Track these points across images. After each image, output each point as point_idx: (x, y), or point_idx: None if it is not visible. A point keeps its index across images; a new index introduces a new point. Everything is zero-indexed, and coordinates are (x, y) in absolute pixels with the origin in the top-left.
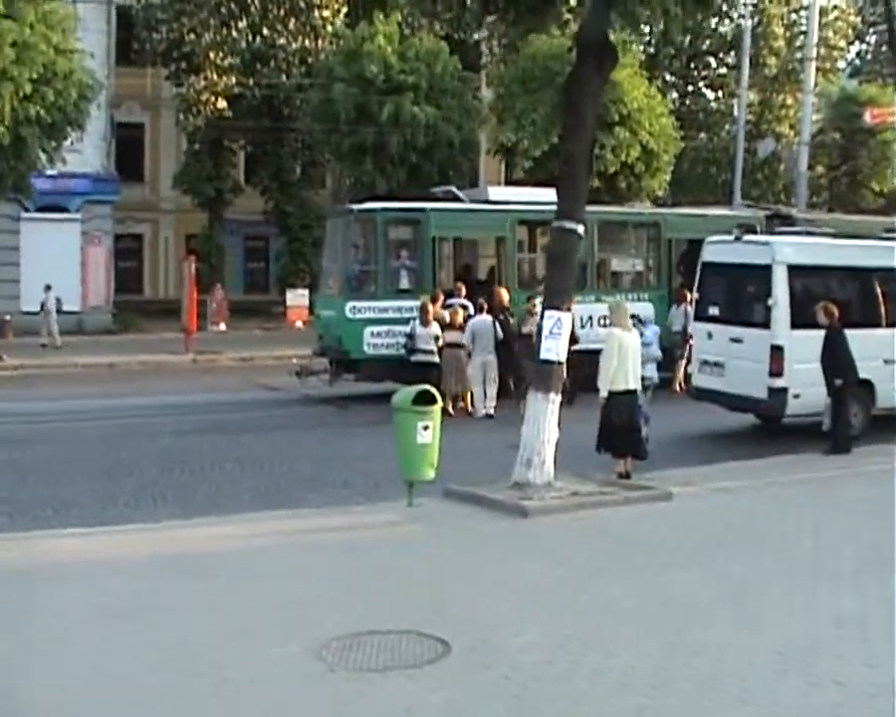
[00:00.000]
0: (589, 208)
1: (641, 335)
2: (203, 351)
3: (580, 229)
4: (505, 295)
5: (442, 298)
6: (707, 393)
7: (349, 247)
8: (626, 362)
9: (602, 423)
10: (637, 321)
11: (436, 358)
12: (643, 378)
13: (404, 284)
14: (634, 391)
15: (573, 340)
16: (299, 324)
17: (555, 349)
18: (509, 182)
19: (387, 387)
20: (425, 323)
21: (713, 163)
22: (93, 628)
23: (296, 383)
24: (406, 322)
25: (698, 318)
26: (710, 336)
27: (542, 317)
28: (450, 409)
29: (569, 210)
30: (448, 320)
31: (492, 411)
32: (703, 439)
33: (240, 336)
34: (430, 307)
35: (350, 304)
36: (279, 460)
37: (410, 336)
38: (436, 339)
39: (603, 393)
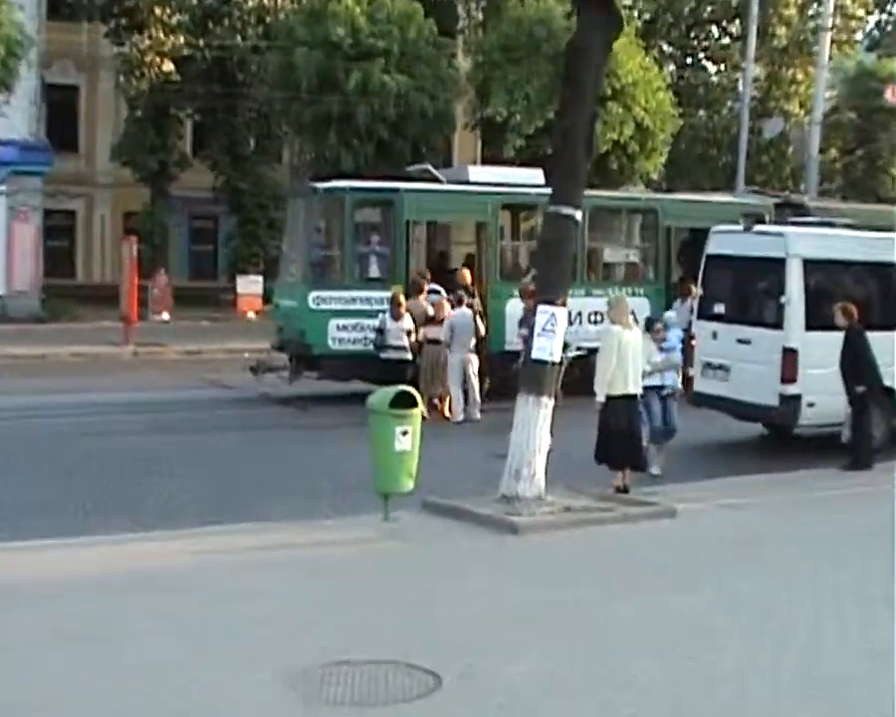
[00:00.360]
0: None
1: (664, 339)
2: (145, 342)
3: (578, 215)
4: (468, 275)
5: (427, 289)
6: (710, 400)
7: (313, 230)
8: (626, 363)
9: (601, 431)
10: (651, 322)
11: (408, 356)
12: (663, 387)
13: (374, 272)
14: (634, 396)
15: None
16: (251, 314)
17: (548, 347)
18: (486, 161)
19: (354, 387)
20: (396, 316)
21: (713, 144)
22: (47, 653)
23: (251, 381)
24: (376, 314)
25: (702, 316)
26: (714, 336)
27: (534, 312)
28: (425, 413)
29: (566, 194)
30: (432, 313)
31: (477, 415)
32: (707, 451)
33: (185, 326)
34: (402, 298)
35: (314, 293)
36: (235, 466)
37: (380, 330)
38: (408, 333)
39: (600, 398)
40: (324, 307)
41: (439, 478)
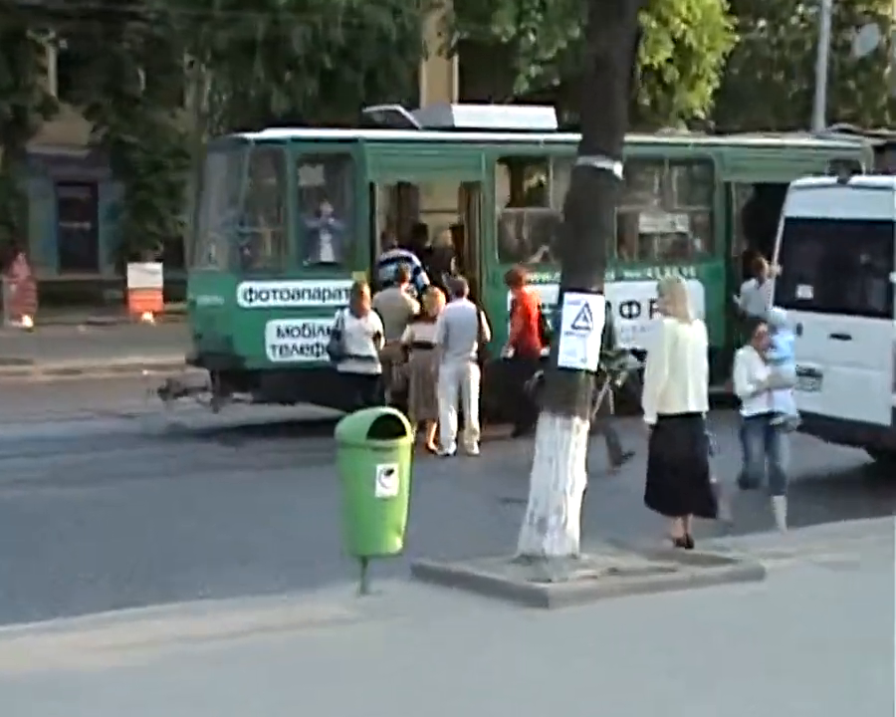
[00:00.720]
0: None
1: (772, 346)
2: (2, 358)
3: (618, 169)
4: (450, 257)
5: (409, 276)
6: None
7: (241, 199)
8: (684, 370)
9: (652, 464)
10: (750, 321)
11: (376, 368)
12: (772, 415)
13: (326, 254)
14: (698, 415)
15: (544, 338)
16: (148, 316)
17: (580, 350)
18: (467, 100)
19: (303, 412)
20: (359, 312)
21: (780, 67)
22: None
23: (159, 407)
24: (331, 313)
25: (780, 302)
26: (799, 330)
27: (559, 302)
28: (432, 443)
29: (601, 140)
30: (418, 309)
31: (475, 448)
32: (792, 487)
33: (56, 335)
34: (365, 289)
35: (245, 285)
36: (145, 526)
37: (337, 333)
38: (376, 337)
39: (649, 418)
40: (259, 304)
41: (430, 533)
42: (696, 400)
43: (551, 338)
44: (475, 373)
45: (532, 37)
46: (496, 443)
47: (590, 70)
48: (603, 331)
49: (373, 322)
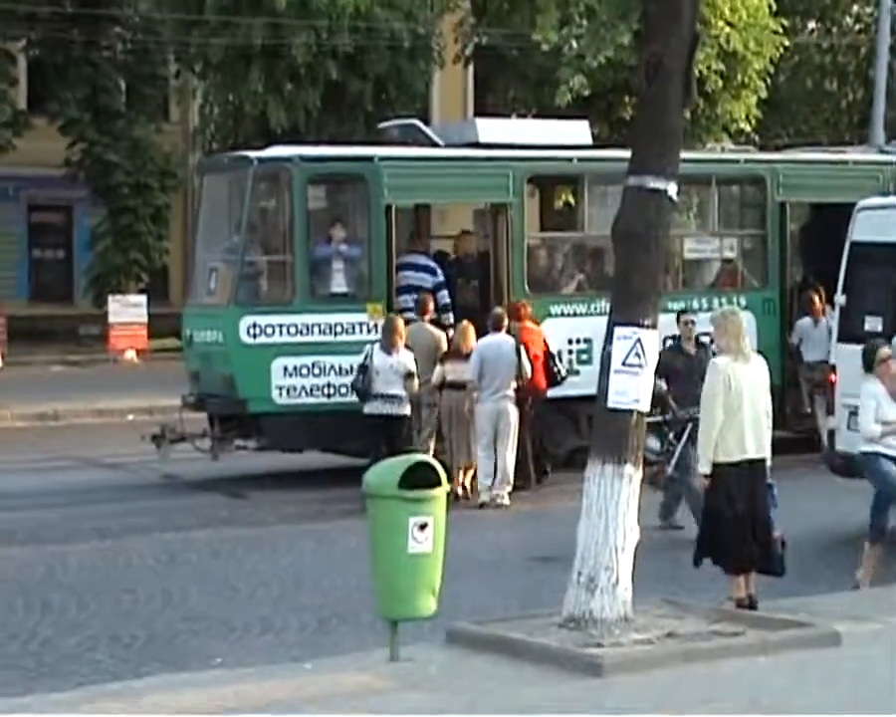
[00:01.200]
0: None
1: None
2: None
3: (673, 189)
4: (430, 303)
5: (430, 307)
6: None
7: (243, 224)
8: (740, 413)
9: (708, 517)
10: (870, 352)
11: (403, 410)
12: None
13: (338, 284)
14: (760, 462)
15: (554, 377)
16: (131, 354)
17: (632, 390)
18: (484, 112)
19: (313, 460)
20: (390, 348)
21: (832, 74)
22: None
23: (152, 456)
24: (344, 349)
25: (845, 337)
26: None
27: (608, 337)
28: (459, 489)
29: (655, 158)
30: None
31: (505, 498)
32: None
33: (27, 375)
34: (400, 325)
35: (248, 320)
36: (146, 589)
37: (363, 368)
38: (408, 376)
39: (703, 468)
40: (263, 340)
41: (461, 592)
42: (755, 446)
43: (556, 378)
44: (513, 415)
45: (574, 44)
46: (525, 492)
47: (643, 79)
48: (686, 374)
49: (405, 360)
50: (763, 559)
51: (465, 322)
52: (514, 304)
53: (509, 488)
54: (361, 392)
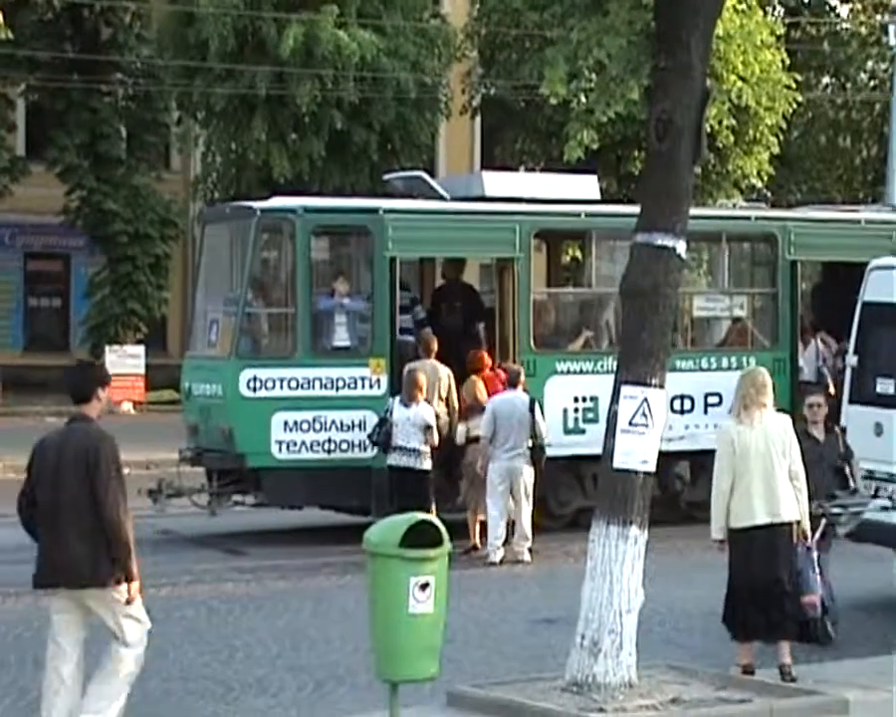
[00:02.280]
0: None
1: None
2: None
3: (682, 247)
4: (434, 343)
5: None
6: (875, 530)
7: (245, 275)
8: (747, 477)
9: (729, 583)
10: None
11: (423, 463)
12: None
13: (341, 337)
14: (782, 526)
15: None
16: (128, 406)
17: (638, 451)
18: (492, 165)
19: (312, 517)
20: (410, 401)
21: (846, 130)
22: None
23: (148, 510)
24: (346, 404)
25: (857, 399)
26: (879, 430)
27: (615, 396)
28: (478, 541)
29: (663, 214)
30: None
31: (526, 555)
32: (873, 608)
33: (22, 426)
34: (422, 378)
35: (248, 373)
36: None
37: (383, 421)
38: (427, 429)
39: (715, 534)
40: (263, 393)
41: (464, 654)
42: (767, 510)
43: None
44: (528, 473)
45: (584, 98)
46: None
47: (653, 135)
48: (814, 463)
49: (424, 413)
50: (781, 627)
51: (473, 377)
52: (479, 354)
53: (528, 544)
54: (382, 445)
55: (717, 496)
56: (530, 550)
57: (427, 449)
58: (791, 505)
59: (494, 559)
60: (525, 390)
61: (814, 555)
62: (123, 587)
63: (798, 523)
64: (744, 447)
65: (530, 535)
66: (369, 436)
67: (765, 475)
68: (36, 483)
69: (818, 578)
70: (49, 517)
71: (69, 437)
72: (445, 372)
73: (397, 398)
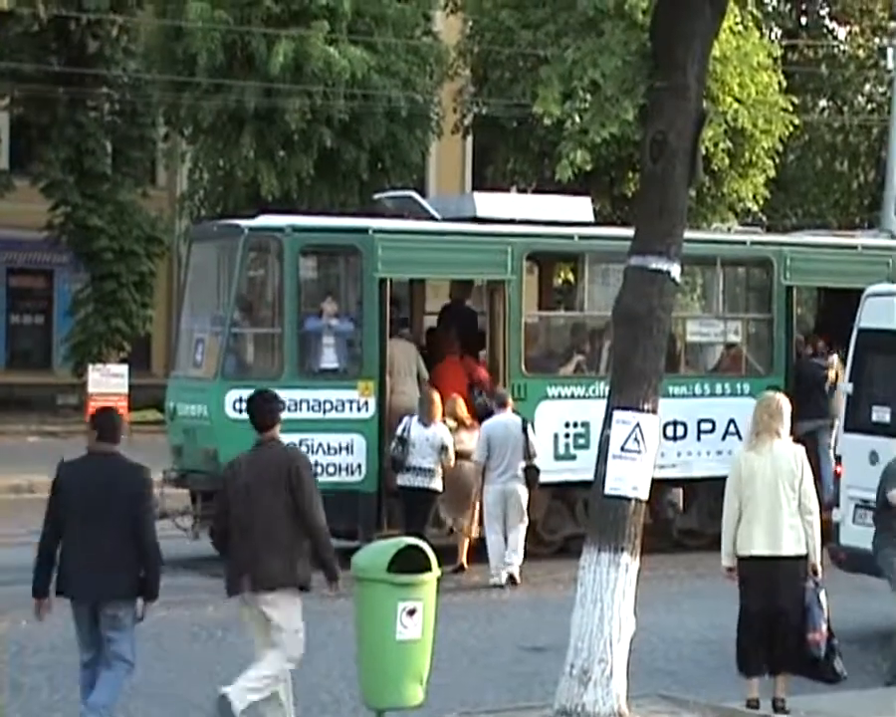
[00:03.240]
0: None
1: None
2: None
3: (676, 271)
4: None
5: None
6: (869, 561)
7: (232, 294)
8: (751, 505)
9: (740, 616)
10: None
11: (437, 484)
12: None
13: (329, 359)
14: (788, 559)
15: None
16: None
17: (630, 477)
18: (483, 186)
19: None
20: (428, 420)
21: (843, 154)
22: None
23: None
24: (333, 427)
25: (853, 427)
26: (874, 458)
27: (607, 421)
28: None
29: (657, 237)
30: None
31: (516, 574)
32: (865, 639)
33: (2, 446)
34: (436, 397)
35: (234, 394)
36: None
37: (402, 440)
38: (443, 449)
39: (724, 562)
40: None
41: (451, 682)
42: (768, 541)
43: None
44: (523, 494)
45: (577, 118)
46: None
47: (647, 156)
48: None
49: (441, 433)
50: (781, 661)
51: (454, 395)
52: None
53: (520, 562)
54: (397, 464)
55: (724, 522)
56: (520, 570)
57: (440, 469)
58: (796, 539)
59: (499, 581)
60: (514, 411)
61: (822, 592)
62: (334, 583)
63: (806, 558)
64: (750, 474)
65: (522, 554)
66: (392, 455)
67: (769, 505)
68: (231, 502)
69: (825, 615)
70: (244, 529)
71: (260, 456)
72: (414, 351)
73: (414, 418)
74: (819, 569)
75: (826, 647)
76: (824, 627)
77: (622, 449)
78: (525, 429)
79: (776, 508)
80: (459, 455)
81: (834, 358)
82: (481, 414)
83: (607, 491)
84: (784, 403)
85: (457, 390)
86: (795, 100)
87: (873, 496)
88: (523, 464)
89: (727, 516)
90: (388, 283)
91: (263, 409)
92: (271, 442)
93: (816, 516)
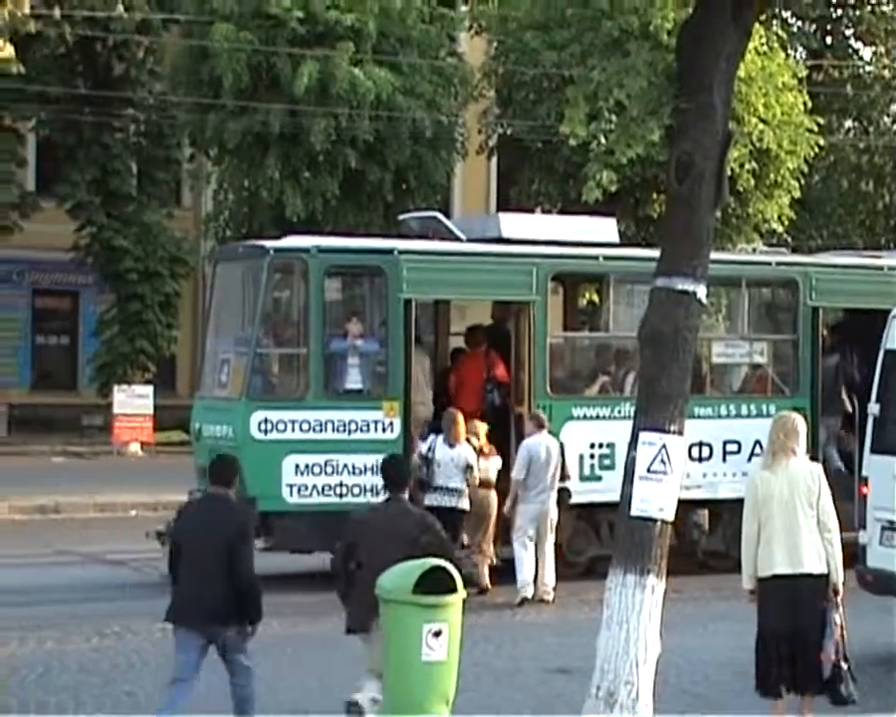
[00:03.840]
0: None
1: None
2: None
3: (702, 292)
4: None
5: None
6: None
7: (257, 315)
8: (769, 525)
9: (758, 635)
10: None
11: (464, 503)
12: None
13: (354, 380)
14: (809, 577)
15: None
16: (135, 447)
17: (656, 498)
18: (508, 207)
19: (322, 561)
20: (453, 441)
21: (869, 174)
22: None
23: (156, 553)
24: (358, 448)
25: (879, 448)
26: None
27: (633, 442)
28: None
29: (683, 258)
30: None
31: (550, 595)
32: (880, 660)
33: (27, 466)
34: (460, 418)
35: (259, 414)
36: (145, 688)
37: (427, 460)
38: (468, 469)
39: (745, 584)
40: (274, 436)
41: (476, 703)
42: (788, 560)
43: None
44: (555, 514)
45: (603, 139)
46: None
47: (673, 177)
48: None
49: (466, 453)
50: (802, 681)
51: (475, 421)
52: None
53: (553, 584)
54: (423, 485)
55: (743, 545)
56: (554, 589)
57: (466, 489)
58: (817, 557)
59: (526, 594)
60: (549, 433)
61: (836, 614)
62: None
63: (827, 577)
64: (766, 494)
65: (553, 575)
66: (418, 477)
67: (787, 524)
68: (360, 550)
69: (834, 637)
70: (372, 575)
71: (388, 510)
72: (427, 361)
73: (440, 438)
74: (840, 589)
75: (833, 670)
76: (831, 649)
77: (648, 471)
78: (561, 450)
79: (794, 526)
80: (484, 483)
81: None
82: (488, 410)
83: (633, 512)
84: (800, 422)
85: (473, 381)
86: (821, 120)
87: None
88: (556, 485)
89: (746, 538)
90: (413, 304)
91: (397, 470)
92: (398, 501)
93: (836, 533)
